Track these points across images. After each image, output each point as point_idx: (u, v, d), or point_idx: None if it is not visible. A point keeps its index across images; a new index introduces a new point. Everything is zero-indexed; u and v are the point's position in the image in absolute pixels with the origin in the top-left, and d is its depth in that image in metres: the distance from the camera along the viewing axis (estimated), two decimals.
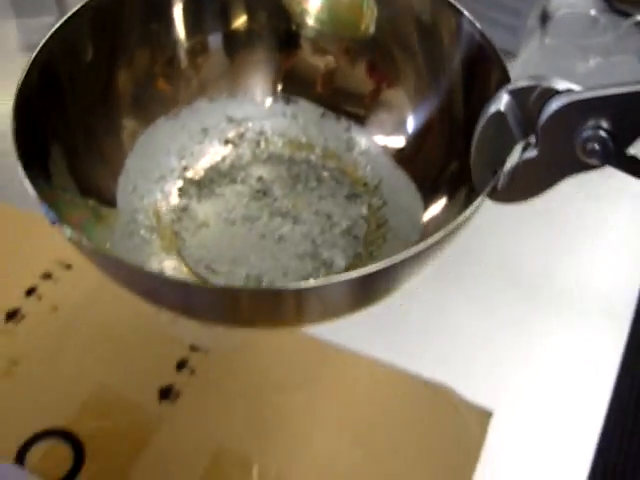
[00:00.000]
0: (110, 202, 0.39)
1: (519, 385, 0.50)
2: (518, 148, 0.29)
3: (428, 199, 0.41)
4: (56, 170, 0.35)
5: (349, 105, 0.45)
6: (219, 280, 0.39)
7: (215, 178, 0.43)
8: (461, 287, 0.55)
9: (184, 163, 0.44)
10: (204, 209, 0.42)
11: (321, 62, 0.45)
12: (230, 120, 0.45)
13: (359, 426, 0.46)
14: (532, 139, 0.28)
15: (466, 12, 0.36)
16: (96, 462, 0.45)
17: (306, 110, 0.46)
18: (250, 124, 0.45)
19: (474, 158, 0.31)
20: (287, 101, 0.46)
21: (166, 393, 0.47)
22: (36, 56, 0.34)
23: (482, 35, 0.35)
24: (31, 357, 0.48)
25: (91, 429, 0.46)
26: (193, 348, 0.48)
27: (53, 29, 0.35)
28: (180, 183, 0.43)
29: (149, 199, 0.41)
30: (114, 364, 0.48)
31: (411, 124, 0.44)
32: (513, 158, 0.29)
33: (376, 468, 0.44)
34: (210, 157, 0.44)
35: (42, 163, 0.34)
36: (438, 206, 0.40)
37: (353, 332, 0.49)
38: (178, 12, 0.43)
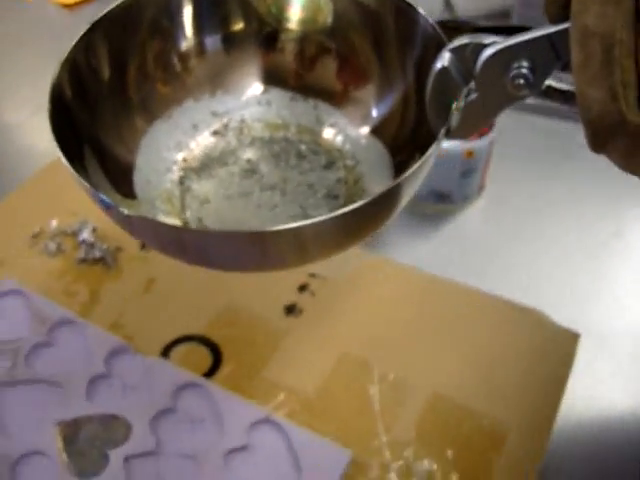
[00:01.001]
0: (132, 195, 0.46)
1: (605, 307, 0.57)
2: (462, 94, 0.35)
3: (394, 151, 0.47)
4: (90, 170, 0.42)
5: (316, 87, 0.51)
6: None
7: (210, 163, 0.49)
8: (547, 213, 0.62)
9: (182, 155, 0.50)
10: (204, 189, 0.48)
11: (291, 56, 0.51)
12: (214, 114, 0.51)
13: (461, 343, 0.56)
14: (472, 85, 0.34)
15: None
16: (232, 363, 0.51)
17: (277, 96, 0.52)
18: (232, 115, 0.51)
19: (428, 108, 0.37)
20: (260, 91, 0.52)
21: (290, 309, 0.54)
22: (64, 60, 0.41)
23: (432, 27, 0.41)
24: (165, 276, 0.55)
25: (225, 336, 0.53)
26: (312, 275, 0.55)
27: (77, 39, 0.42)
28: (182, 172, 0.49)
29: (161, 188, 0.48)
30: (244, 284, 0.55)
31: (373, 99, 0.50)
32: (459, 103, 0.35)
33: (477, 378, 0.52)
34: (203, 147, 0.51)
35: (81, 163, 0.41)
36: (404, 156, 0.46)
37: (448, 263, 0.61)
38: (179, 19, 0.49)
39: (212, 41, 0.50)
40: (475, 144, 0.61)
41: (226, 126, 0.51)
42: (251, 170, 0.49)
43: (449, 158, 0.62)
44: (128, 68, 0.48)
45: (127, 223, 0.37)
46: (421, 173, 0.37)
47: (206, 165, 0.49)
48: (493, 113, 0.35)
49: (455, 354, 0.55)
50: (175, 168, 0.49)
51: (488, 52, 0.33)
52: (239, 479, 0.49)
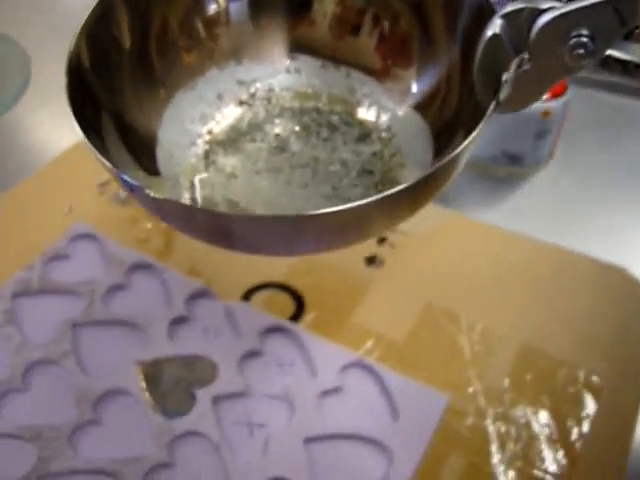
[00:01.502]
0: (155, 172, 0.42)
1: None
2: (514, 64, 0.32)
3: (434, 123, 0.43)
4: (111, 145, 0.39)
5: (349, 56, 0.47)
6: None
7: (237, 137, 0.46)
8: (617, 180, 0.62)
9: (208, 128, 0.46)
10: (231, 163, 0.44)
11: (324, 21, 0.47)
12: (241, 83, 0.47)
13: (547, 298, 0.54)
14: (525, 55, 0.31)
15: None
16: (316, 310, 0.50)
17: (307, 63, 0.48)
18: (259, 84, 0.47)
19: (476, 79, 0.34)
20: (289, 58, 0.47)
21: (371, 260, 0.52)
22: (82, 29, 0.38)
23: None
24: None
25: (306, 284, 0.51)
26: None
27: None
28: (207, 146, 0.45)
29: (185, 163, 0.44)
30: None
31: (413, 72, 0.46)
32: (511, 74, 0.32)
33: (568, 331, 0.51)
34: (229, 119, 0.47)
35: (101, 138, 0.38)
36: (445, 129, 0.43)
37: (530, 221, 0.60)
38: None
39: (239, 5, 0.47)
40: (552, 104, 0.60)
41: (253, 95, 0.48)
42: (280, 147, 0.46)
43: (525, 117, 0.61)
44: (150, 35, 0.44)
45: (155, 207, 0.34)
46: (468, 151, 0.33)
47: (233, 139, 0.46)
48: (547, 85, 0.32)
49: (542, 308, 0.54)
50: (200, 142, 0.46)
51: (545, 18, 0.30)
52: (333, 421, 0.47)
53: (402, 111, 0.46)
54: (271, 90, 0.48)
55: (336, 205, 0.37)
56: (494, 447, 0.46)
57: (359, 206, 0.31)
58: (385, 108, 0.47)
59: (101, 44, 0.39)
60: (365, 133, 0.47)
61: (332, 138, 0.46)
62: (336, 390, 0.48)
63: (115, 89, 0.41)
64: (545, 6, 0.30)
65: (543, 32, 0.30)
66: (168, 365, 0.49)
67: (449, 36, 0.43)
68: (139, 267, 0.55)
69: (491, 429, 0.47)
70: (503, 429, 0.47)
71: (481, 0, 0.37)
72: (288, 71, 0.48)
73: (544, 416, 0.48)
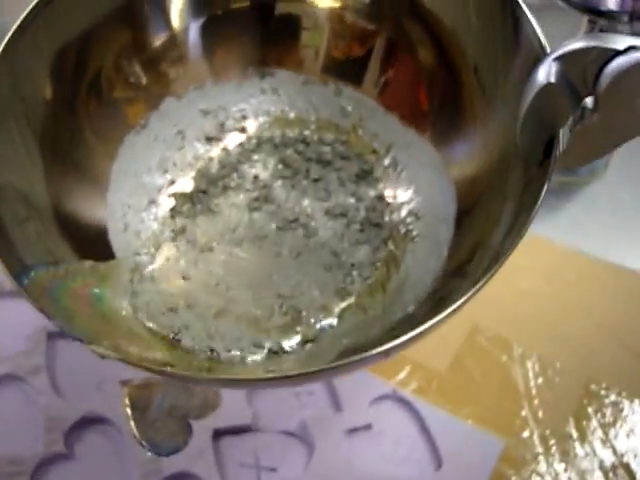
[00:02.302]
0: (107, 253, 0.33)
1: None
2: (574, 115, 0.26)
3: (447, 153, 0.35)
4: (29, 235, 0.30)
5: (337, 67, 0.38)
6: (245, 307, 0.33)
7: (207, 188, 0.36)
8: None
9: (169, 177, 0.36)
10: (203, 230, 0.35)
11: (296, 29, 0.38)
12: (205, 113, 0.37)
13: (610, 324, 0.44)
14: (588, 102, 0.25)
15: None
16: None
17: (285, 80, 0.38)
18: (228, 112, 0.38)
19: (521, 132, 0.28)
20: (261, 75, 0.37)
21: None
22: None
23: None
24: None
25: None
26: None
27: None
28: (171, 202, 0.36)
29: (145, 232, 0.35)
30: None
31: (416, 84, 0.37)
32: (569, 127, 0.27)
33: (621, 352, 0.42)
34: (195, 162, 0.37)
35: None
36: (461, 154, 0.34)
37: (585, 235, 0.51)
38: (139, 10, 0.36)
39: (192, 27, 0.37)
40: None
41: (222, 126, 0.37)
42: (263, 197, 0.36)
43: None
44: (78, 84, 0.34)
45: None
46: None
47: (202, 190, 0.36)
48: (616, 141, 0.26)
49: (608, 336, 0.43)
50: (161, 198, 0.36)
51: (623, 63, 0.23)
52: (361, 467, 0.36)
53: (408, 133, 0.36)
54: (244, 118, 0.38)
55: (338, 276, 0.33)
56: None
57: (367, 357, 0.24)
58: (387, 131, 0.36)
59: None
60: (366, 169, 0.36)
61: (325, 178, 0.36)
62: (365, 428, 0.38)
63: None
64: (622, 47, 0.23)
65: (619, 80, 0.24)
66: (160, 388, 0.38)
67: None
68: None
69: None
70: None
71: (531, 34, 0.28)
72: (263, 91, 0.38)
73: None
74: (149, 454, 0.35)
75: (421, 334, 0.23)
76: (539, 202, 0.25)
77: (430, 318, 0.24)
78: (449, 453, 0.37)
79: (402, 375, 0.41)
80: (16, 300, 0.40)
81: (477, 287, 0.24)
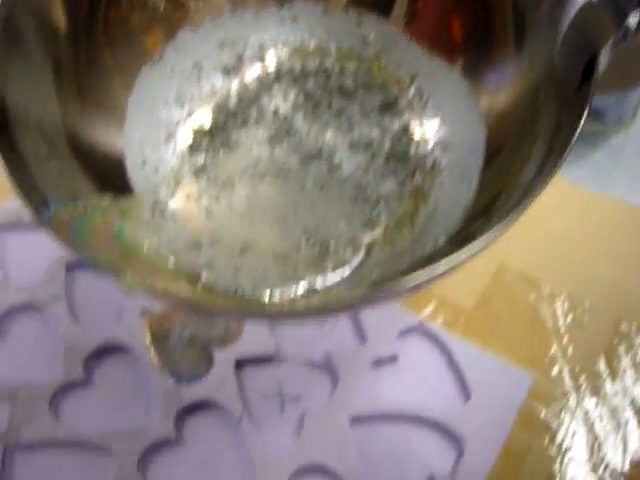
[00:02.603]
0: (125, 189, 0.31)
1: None
2: (616, 34, 0.24)
3: (477, 83, 0.32)
4: (49, 167, 0.28)
5: None
6: (270, 242, 0.31)
7: (226, 122, 0.34)
8: None
9: (187, 110, 0.34)
10: (224, 165, 0.33)
11: None
12: (222, 44, 0.35)
13: (632, 258, 0.42)
14: (631, 22, 0.23)
15: None
16: None
17: (304, 9, 0.35)
18: (246, 42, 0.35)
19: (561, 49, 0.26)
20: (280, 4, 0.34)
21: None
22: None
23: None
24: None
25: None
26: None
27: None
28: (190, 137, 0.33)
29: (164, 168, 0.32)
30: None
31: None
32: (608, 46, 0.24)
33: None
34: (213, 95, 0.34)
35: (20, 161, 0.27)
36: (492, 85, 0.32)
37: (613, 183, 0.48)
38: None
39: None
40: None
41: (240, 58, 0.35)
42: (284, 131, 0.34)
43: None
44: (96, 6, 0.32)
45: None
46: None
47: (221, 124, 0.34)
48: None
49: (635, 277, 0.42)
50: (179, 132, 0.33)
51: None
52: (387, 397, 0.35)
53: (434, 62, 0.34)
54: (262, 48, 0.35)
55: (364, 209, 0.32)
56: (585, 441, 0.34)
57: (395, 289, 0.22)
58: (412, 59, 0.34)
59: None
60: (390, 100, 0.34)
61: (347, 109, 0.33)
62: (391, 360, 0.36)
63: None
64: None
65: None
66: (181, 319, 0.37)
67: None
68: None
69: (582, 419, 0.35)
70: (597, 420, 0.34)
71: None
72: (281, 21, 0.35)
73: None
74: (170, 382, 0.33)
75: (453, 267, 0.22)
76: (577, 131, 0.23)
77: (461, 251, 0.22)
78: (478, 386, 0.35)
79: (428, 310, 0.39)
80: (34, 232, 0.39)
81: (512, 216, 0.22)
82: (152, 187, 0.32)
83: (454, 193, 0.31)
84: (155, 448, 0.33)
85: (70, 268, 0.39)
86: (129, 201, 0.30)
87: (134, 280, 0.23)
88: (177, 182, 0.32)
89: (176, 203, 0.32)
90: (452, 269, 0.22)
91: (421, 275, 0.22)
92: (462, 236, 0.28)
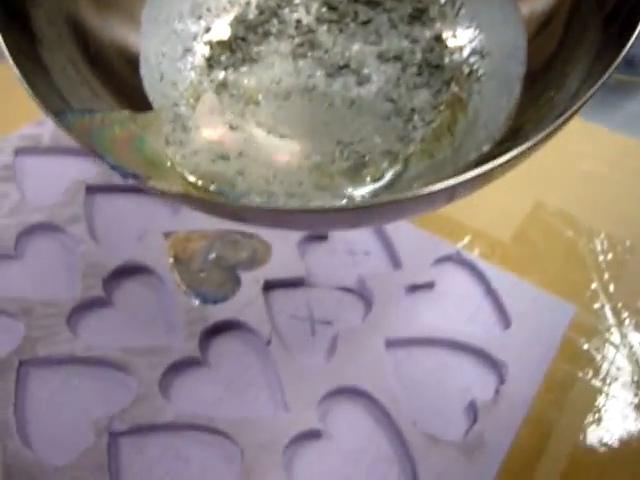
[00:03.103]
0: (144, 105, 0.29)
1: None
2: None
3: None
4: (71, 81, 0.26)
5: None
6: (302, 154, 0.29)
7: (245, 35, 0.32)
8: None
9: (204, 24, 0.32)
10: (246, 81, 0.31)
11: None
12: None
13: None
14: None
15: None
16: None
17: None
18: None
19: None
20: None
21: None
22: None
23: None
24: None
25: None
26: None
27: None
28: (208, 51, 0.32)
29: (183, 83, 0.30)
30: None
31: None
32: None
33: None
34: (231, 7, 0.32)
35: (45, 73, 0.25)
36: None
37: None
38: None
39: None
40: None
41: None
42: (307, 43, 0.32)
43: None
44: None
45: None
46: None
47: (241, 38, 0.32)
48: None
49: None
50: (197, 47, 0.32)
51: None
52: (424, 322, 0.32)
53: None
54: None
55: (398, 123, 0.29)
56: (630, 376, 0.31)
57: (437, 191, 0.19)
58: None
59: None
60: (420, 8, 0.31)
61: (375, 20, 0.31)
62: (427, 286, 0.33)
63: None
64: None
65: None
66: (205, 240, 0.34)
67: None
68: None
69: (627, 354, 0.32)
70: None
71: None
72: None
73: None
74: (195, 302, 0.31)
75: (508, 162, 0.19)
76: (628, 43, 0.21)
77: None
78: (518, 314, 0.33)
79: (464, 242, 0.36)
80: (51, 157, 0.36)
81: (562, 120, 0.20)
82: (171, 102, 0.30)
83: (495, 101, 0.29)
84: (178, 367, 0.30)
85: (90, 191, 0.37)
86: (148, 116, 0.28)
87: (164, 184, 0.21)
88: (197, 97, 0.30)
89: (198, 118, 0.30)
90: (506, 166, 0.20)
91: (483, 167, 0.19)
92: (508, 143, 0.26)
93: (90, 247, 0.34)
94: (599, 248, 0.37)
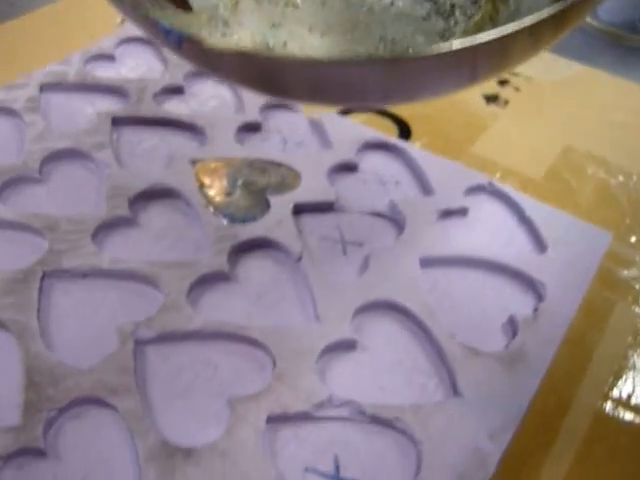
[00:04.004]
0: (184, 6, 0.28)
1: None
2: None
3: None
4: None
5: None
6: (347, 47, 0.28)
7: None
8: None
9: None
10: None
11: None
12: None
13: None
14: None
15: None
16: (426, 138, 0.34)
17: None
18: None
19: None
20: None
21: (492, 98, 0.37)
22: None
23: None
24: None
25: (412, 114, 0.35)
26: (513, 73, 0.39)
27: None
28: None
29: None
30: None
31: None
32: None
33: None
34: None
35: None
36: None
37: None
38: None
39: None
40: None
41: None
42: None
43: None
44: None
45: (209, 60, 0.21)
46: None
47: None
48: None
49: None
50: None
51: None
52: (458, 243, 0.31)
53: None
54: None
55: (438, 21, 0.28)
56: None
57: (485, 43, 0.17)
58: None
59: None
60: None
61: None
62: (460, 212, 0.32)
63: None
64: None
65: None
66: (233, 168, 0.33)
67: None
68: (202, 72, 0.39)
69: None
70: None
71: None
72: None
73: None
74: (223, 221, 0.30)
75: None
76: None
77: None
78: (554, 241, 0.31)
79: (496, 176, 0.35)
80: (78, 93, 0.36)
81: None
82: (210, 5, 0.28)
83: None
84: (207, 280, 0.29)
85: (116, 123, 0.36)
86: (188, 15, 0.27)
87: (223, 42, 0.20)
88: (236, 2, 0.29)
89: (237, 17, 0.28)
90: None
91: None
92: None
93: (116, 171, 0.33)
94: (631, 186, 0.36)
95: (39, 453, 0.23)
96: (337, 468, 0.24)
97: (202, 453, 0.23)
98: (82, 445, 0.24)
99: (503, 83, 0.42)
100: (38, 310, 0.27)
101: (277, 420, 0.24)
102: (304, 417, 0.25)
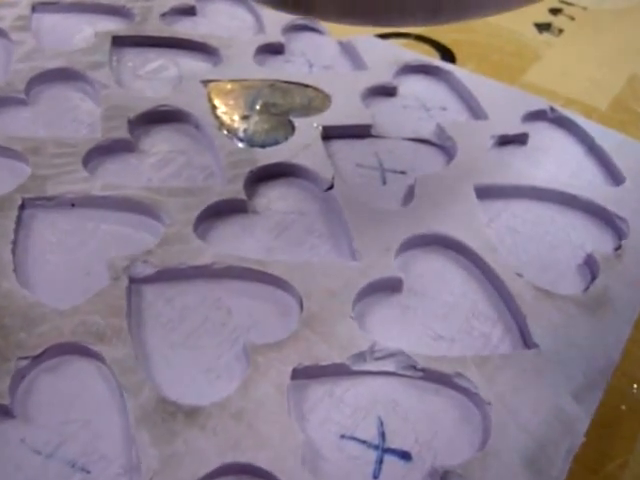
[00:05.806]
0: None
1: None
2: None
3: None
4: None
5: None
6: None
7: None
8: None
9: None
10: None
11: None
12: None
13: None
14: None
15: None
16: (471, 66, 0.27)
17: None
18: None
19: None
20: None
21: (544, 27, 0.30)
22: None
23: None
24: None
25: (457, 41, 0.29)
26: (564, 2, 0.32)
27: None
28: None
29: None
30: None
31: None
32: None
33: None
34: None
35: None
36: None
37: None
38: None
39: None
40: None
41: None
42: None
43: None
44: None
45: None
46: None
47: None
48: None
49: None
50: None
51: None
52: (520, 171, 0.24)
53: None
54: None
55: None
56: None
57: None
58: None
59: None
60: None
61: None
62: (519, 140, 0.25)
63: None
64: None
65: None
66: (251, 88, 0.26)
67: None
68: None
69: None
70: None
71: None
72: None
73: None
74: (239, 145, 0.23)
75: None
76: None
77: None
78: (631, 171, 0.24)
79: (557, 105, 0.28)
80: (75, 13, 0.30)
81: None
82: None
83: None
84: (219, 210, 0.23)
85: (117, 42, 0.29)
86: None
87: None
88: None
89: None
90: None
91: None
92: None
93: (114, 91, 0.26)
94: None
95: (4, 412, 0.17)
96: (382, 435, 0.17)
97: (210, 413, 0.17)
98: (59, 403, 0.17)
99: (556, 12, 0.35)
100: (14, 242, 0.21)
101: (305, 374, 0.18)
102: (339, 371, 0.18)
